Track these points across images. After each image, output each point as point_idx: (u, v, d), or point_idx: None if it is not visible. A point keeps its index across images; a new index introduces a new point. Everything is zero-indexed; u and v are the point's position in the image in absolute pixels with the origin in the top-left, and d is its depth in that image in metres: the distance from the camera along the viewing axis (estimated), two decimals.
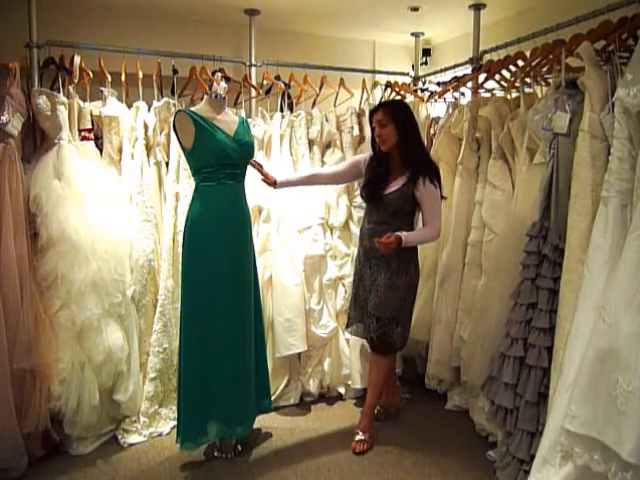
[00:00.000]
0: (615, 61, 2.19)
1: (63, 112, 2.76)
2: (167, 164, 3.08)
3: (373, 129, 2.70)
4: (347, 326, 2.98)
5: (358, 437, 2.77)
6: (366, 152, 3.01)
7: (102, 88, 2.99)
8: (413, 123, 2.71)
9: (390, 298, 2.68)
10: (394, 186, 2.67)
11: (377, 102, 3.72)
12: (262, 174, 2.79)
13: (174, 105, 3.06)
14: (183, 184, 3.02)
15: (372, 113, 2.72)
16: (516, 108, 2.87)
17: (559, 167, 2.35)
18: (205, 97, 2.62)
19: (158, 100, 3.08)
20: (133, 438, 2.79)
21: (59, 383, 2.56)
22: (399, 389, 3.31)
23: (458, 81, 3.37)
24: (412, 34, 4.20)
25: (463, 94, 3.44)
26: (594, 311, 1.99)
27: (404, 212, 2.68)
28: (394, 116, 2.64)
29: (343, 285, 3.34)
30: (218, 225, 2.52)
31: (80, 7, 3.49)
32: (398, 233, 2.53)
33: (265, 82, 3.50)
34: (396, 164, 2.70)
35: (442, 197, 2.70)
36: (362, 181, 2.84)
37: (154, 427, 2.87)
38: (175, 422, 2.78)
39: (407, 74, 4.18)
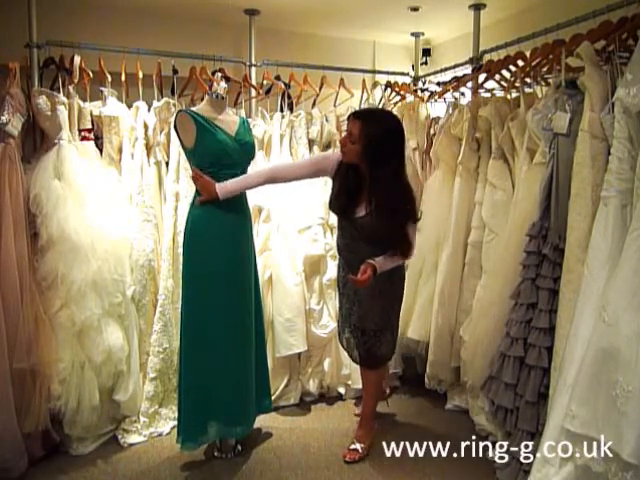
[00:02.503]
0: (615, 61, 2.20)
1: (63, 112, 2.76)
2: (167, 164, 3.08)
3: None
4: (339, 338, 2.85)
5: (353, 446, 2.69)
6: (336, 151, 2.72)
7: (102, 88, 2.99)
8: (391, 149, 2.36)
9: (374, 309, 2.56)
10: (363, 209, 2.43)
11: (377, 102, 3.73)
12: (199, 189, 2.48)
13: (174, 105, 3.06)
14: (183, 184, 3.02)
15: (350, 117, 2.44)
16: (516, 108, 2.87)
17: (559, 167, 2.35)
18: (206, 97, 2.62)
19: (158, 100, 3.07)
20: (133, 438, 2.79)
21: (59, 383, 2.55)
22: (390, 376, 3.29)
23: (458, 81, 3.37)
24: (412, 34, 4.20)
25: (463, 94, 3.44)
26: (594, 311, 1.99)
27: (379, 235, 2.44)
28: (367, 137, 2.31)
29: None
30: (218, 225, 2.52)
31: (80, 7, 3.49)
32: (372, 262, 2.36)
33: (265, 82, 3.50)
34: (365, 179, 2.42)
35: (417, 220, 2.47)
36: (332, 188, 2.57)
37: (154, 427, 2.87)
38: (175, 422, 2.78)
39: (407, 74, 4.18)
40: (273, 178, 2.57)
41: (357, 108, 3.59)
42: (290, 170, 2.65)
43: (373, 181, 2.37)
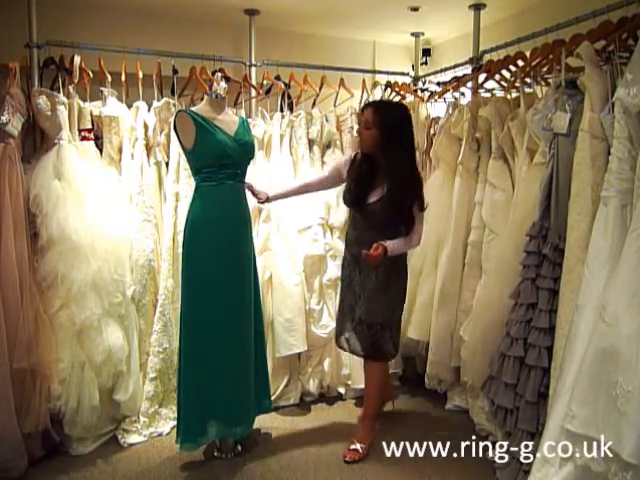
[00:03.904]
0: (615, 61, 2.20)
1: (63, 112, 2.76)
2: (167, 164, 3.08)
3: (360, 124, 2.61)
4: (336, 340, 2.87)
5: (353, 446, 2.69)
6: (347, 154, 2.97)
7: (102, 88, 2.99)
8: (403, 133, 2.54)
9: (380, 303, 2.61)
10: (376, 195, 2.56)
11: None
12: (254, 194, 2.74)
13: (174, 105, 3.06)
14: (183, 184, 3.02)
15: (363, 108, 2.64)
16: (516, 108, 2.87)
17: (559, 167, 2.35)
18: (205, 97, 2.62)
19: (158, 100, 3.07)
20: (133, 438, 2.80)
21: (59, 383, 2.56)
22: (390, 376, 3.30)
23: (458, 81, 3.38)
24: (412, 34, 4.21)
25: (463, 94, 3.44)
26: (594, 311, 1.99)
27: (389, 220, 2.55)
28: (382, 122, 2.49)
29: None
30: (218, 225, 2.52)
31: (80, 7, 3.49)
32: (383, 243, 2.44)
33: (265, 82, 3.50)
34: (379, 168, 2.58)
35: (423, 208, 2.59)
36: (345, 184, 2.72)
37: (154, 427, 2.87)
38: (175, 422, 2.78)
39: (407, 74, 4.18)
40: (304, 190, 2.91)
41: (357, 108, 3.59)
42: (319, 182, 2.89)
43: (388, 160, 2.51)
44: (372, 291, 2.61)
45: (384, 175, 2.54)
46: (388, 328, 2.66)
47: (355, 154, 2.73)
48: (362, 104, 3.64)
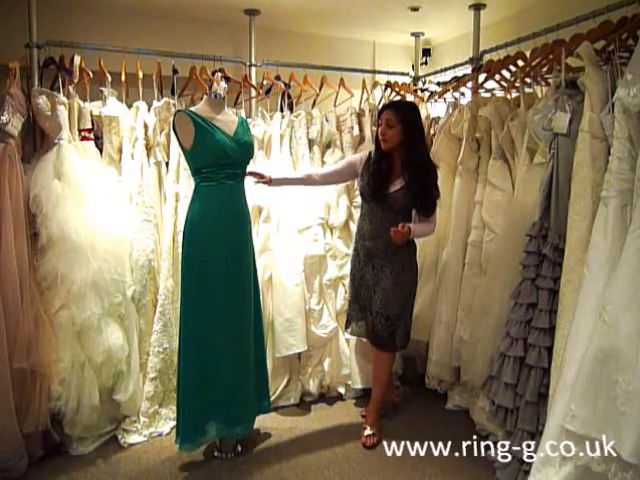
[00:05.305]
0: (615, 61, 2.20)
1: (63, 112, 2.76)
2: (167, 164, 3.08)
3: (379, 126, 2.73)
4: (347, 326, 3.01)
5: (367, 432, 2.82)
6: (361, 152, 3.06)
7: (102, 88, 2.99)
8: (420, 127, 2.75)
9: (397, 296, 2.75)
10: (397, 184, 2.72)
11: (377, 102, 3.74)
12: (259, 177, 2.81)
13: (174, 105, 3.06)
14: (183, 184, 3.02)
15: (381, 110, 2.77)
16: (516, 108, 2.87)
17: (559, 167, 2.35)
18: (204, 97, 2.62)
19: (158, 100, 3.08)
20: (133, 438, 2.79)
21: (59, 383, 2.56)
22: (394, 385, 3.34)
23: (458, 81, 3.38)
24: (412, 34, 4.21)
25: (463, 94, 3.44)
26: (594, 311, 1.99)
27: (406, 210, 2.75)
28: (403, 119, 2.68)
29: (343, 285, 3.33)
30: (218, 225, 2.52)
31: (80, 7, 3.50)
32: (407, 224, 2.60)
33: (265, 82, 3.50)
34: (397, 163, 2.74)
35: (439, 195, 2.77)
36: (361, 180, 2.84)
37: (154, 427, 2.87)
38: (175, 422, 2.78)
39: (407, 74, 4.19)
40: (310, 181, 2.96)
41: (357, 108, 3.60)
42: (330, 175, 2.98)
43: (410, 150, 2.68)
44: (389, 285, 2.74)
45: (405, 165, 2.70)
46: (403, 318, 2.80)
47: (369, 152, 2.87)
48: (362, 105, 3.66)
